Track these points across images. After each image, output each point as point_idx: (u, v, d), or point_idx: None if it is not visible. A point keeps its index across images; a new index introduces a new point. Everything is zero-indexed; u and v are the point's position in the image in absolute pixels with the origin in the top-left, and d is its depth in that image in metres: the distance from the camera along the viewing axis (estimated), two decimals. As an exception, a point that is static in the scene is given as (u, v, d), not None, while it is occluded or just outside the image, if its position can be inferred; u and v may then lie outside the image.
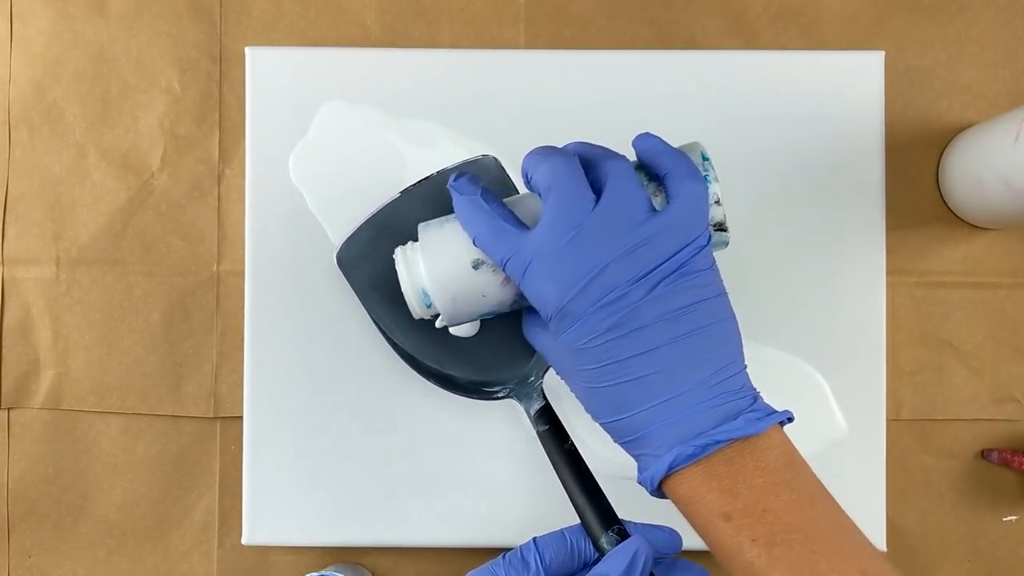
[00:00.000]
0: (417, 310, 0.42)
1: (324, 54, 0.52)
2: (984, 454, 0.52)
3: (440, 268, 0.41)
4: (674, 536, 0.42)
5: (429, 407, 0.51)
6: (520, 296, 0.41)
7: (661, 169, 0.39)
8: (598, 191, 0.37)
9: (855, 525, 0.36)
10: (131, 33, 0.54)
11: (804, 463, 0.37)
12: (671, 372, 0.36)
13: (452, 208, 0.42)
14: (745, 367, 0.38)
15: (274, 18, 0.54)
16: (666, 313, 0.36)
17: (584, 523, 0.42)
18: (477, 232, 0.39)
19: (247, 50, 0.52)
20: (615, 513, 0.42)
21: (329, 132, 0.52)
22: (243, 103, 0.52)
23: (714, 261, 0.38)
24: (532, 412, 0.46)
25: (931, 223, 0.53)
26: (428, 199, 0.47)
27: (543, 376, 0.47)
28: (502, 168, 0.48)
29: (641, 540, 0.40)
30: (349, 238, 0.48)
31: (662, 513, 0.51)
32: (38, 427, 0.54)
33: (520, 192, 0.47)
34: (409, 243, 0.43)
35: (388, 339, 0.48)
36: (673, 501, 0.38)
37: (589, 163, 0.38)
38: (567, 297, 0.36)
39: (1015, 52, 0.53)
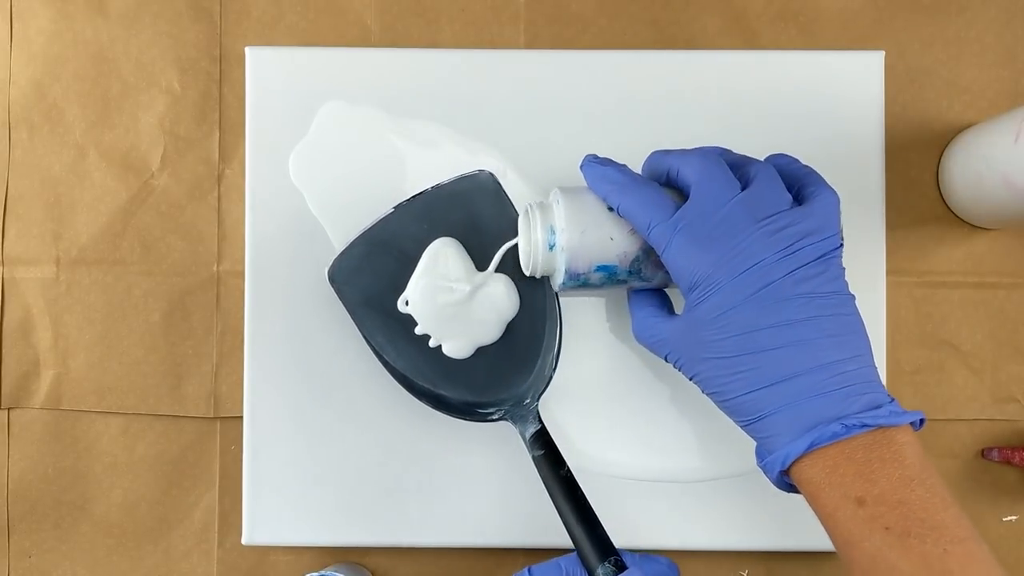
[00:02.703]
0: (540, 250, 0.42)
1: (324, 54, 0.52)
2: (984, 453, 0.52)
3: (578, 204, 0.42)
4: (672, 569, 0.42)
5: (430, 407, 0.51)
6: (641, 256, 0.41)
7: (796, 179, 0.40)
8: (744, 184, 0.39)
9: (980, 535, 0.36)
10: (131, 33, 0.54)
11: (934, 467, 0.37)
12: (811, 347, 0.36)
13: (449, 225, 0.45)
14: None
15: (274, 18, 0.54)
16: (807, 292, 0.37)
17: (580, 553, 0.42)
18: (622, 200, 0.40)
19: (247, 50, 0.52)
20: (612, 543, 0.42)
21: (329, 132, 0.52)
22: (243, 103, 0.52)
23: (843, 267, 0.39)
24: (527, 436, 0.45)
25: (931, 223, 0.53)
26: (423, 214, 0.47)
27: (539, 398, 0.47)
28: (498, 184, 0.48)
29: (639, 572, 0.40)
30: (341, 254, 0.48)
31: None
32: (38, 427, 0.54)
33: (521, 212, 0.47)
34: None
35: (380, 357, 0.48)
36: (798, 483, 0.38)
37: (733, 165, 0.40)
38: (712, 263, 0.37)
39: (1015, 52, 0.53)
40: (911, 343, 0.52)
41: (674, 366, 0.41)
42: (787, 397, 0.37)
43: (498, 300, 0.47)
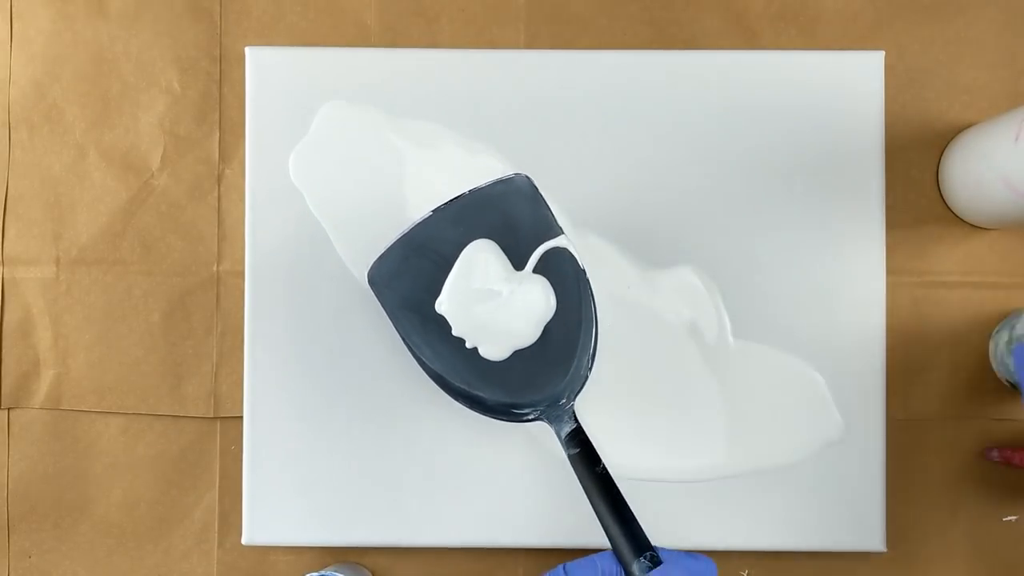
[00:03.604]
0: None
1: (324, 54, 0.52)
2: (984, 453, 0.52)
3: None
4: (709, 566, 0.41)
5: (429, 407, 0.51)
6: None
7: None
8: None
9: None
10: (131, 33, 0.54)
11: None
12: None
13: (486, 228, 0.45)
14: None
15: (274, 18, 0.54)
16: None
17: (615, 549, 0.42)
18: None
19: (247, 50, 0.52)
20: (648, 539, 0.41)
21: (329, 132, 0.52)
22: (243, 103, 0.52)
23: None
24: (563, 435, 0.45)
25: (931, 223, 0.53)
26: (459, 218, 0.47)
27: (575, 398, 0.47)
28: (534, 187, 0.48)
29: (675, 568, 0.39)
30: (380, 257, 0.48)
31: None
32: (38, 427, 0.54)
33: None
34: None
35: (417, 359, 0.48)
36: None
37: None
38: None
39: (1015, 52, 0.53)
40: (911, 343, 0.52)
41: None
42: None
43: (535, 302, 0.47)
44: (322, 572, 0.48)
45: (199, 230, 0.53)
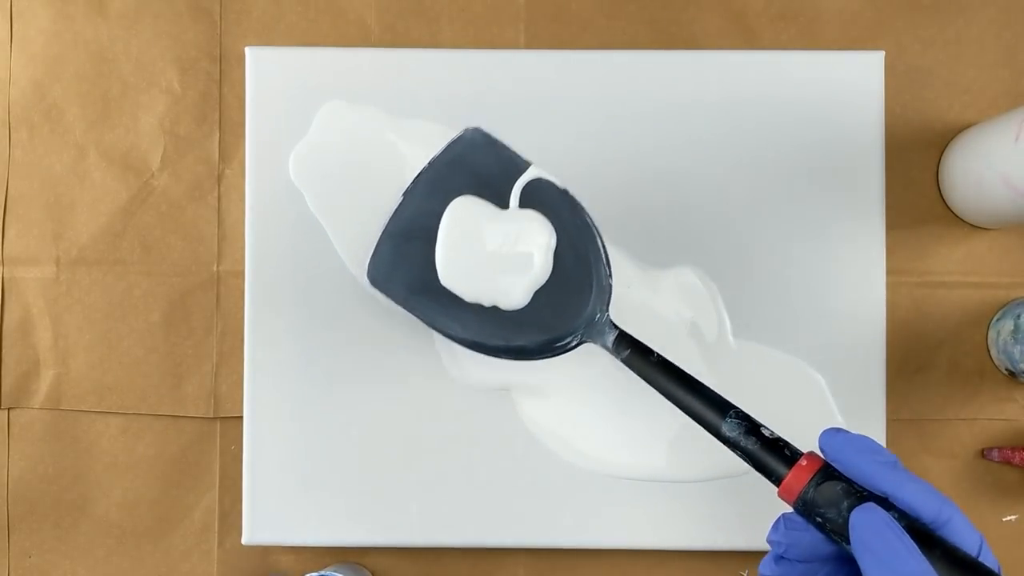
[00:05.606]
0: None
1: (324, 54, 0.52)
2: (984, 453, 0.52)
3: None
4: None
5: (429, 407, 0.51)
6: None
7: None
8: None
9: None
10: (131, 33, 0.54)
11: None
12: None
13: (460, 189, 0.45)
14: None
15: (274, 18, 0.54)
16: None
17: (699, 421, 0.41)
18: None
19: (247, 50, 0.52)
20: (726, 400, 0.41)
21: (329, 132, 0.52)
22: (243, 103, 0.52)
23: None
24: (610, 345, 0.45)
25: (931, 223, 0.53)
26: (431, 190, 0.48)
27: (608, 309, 0.46)
28: (487, 135, 0.48)
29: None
30: (372, 256, 0.48)
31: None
32: (38, 427, 0.54)
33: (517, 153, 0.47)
34: None
35: (448, 336, 0.48)
36: None
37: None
38: None
39: (1015, 52, 0.53)
40: (911, 343, 0.52)
41: None
42: None
43: (534, 234, 0.46)
44: (322, 572, 0.48)
45: (199, 230, 0.53)
